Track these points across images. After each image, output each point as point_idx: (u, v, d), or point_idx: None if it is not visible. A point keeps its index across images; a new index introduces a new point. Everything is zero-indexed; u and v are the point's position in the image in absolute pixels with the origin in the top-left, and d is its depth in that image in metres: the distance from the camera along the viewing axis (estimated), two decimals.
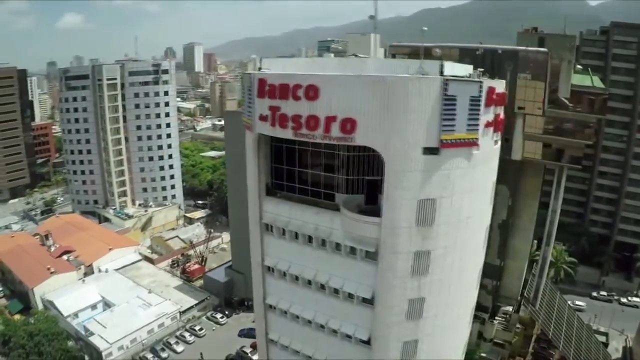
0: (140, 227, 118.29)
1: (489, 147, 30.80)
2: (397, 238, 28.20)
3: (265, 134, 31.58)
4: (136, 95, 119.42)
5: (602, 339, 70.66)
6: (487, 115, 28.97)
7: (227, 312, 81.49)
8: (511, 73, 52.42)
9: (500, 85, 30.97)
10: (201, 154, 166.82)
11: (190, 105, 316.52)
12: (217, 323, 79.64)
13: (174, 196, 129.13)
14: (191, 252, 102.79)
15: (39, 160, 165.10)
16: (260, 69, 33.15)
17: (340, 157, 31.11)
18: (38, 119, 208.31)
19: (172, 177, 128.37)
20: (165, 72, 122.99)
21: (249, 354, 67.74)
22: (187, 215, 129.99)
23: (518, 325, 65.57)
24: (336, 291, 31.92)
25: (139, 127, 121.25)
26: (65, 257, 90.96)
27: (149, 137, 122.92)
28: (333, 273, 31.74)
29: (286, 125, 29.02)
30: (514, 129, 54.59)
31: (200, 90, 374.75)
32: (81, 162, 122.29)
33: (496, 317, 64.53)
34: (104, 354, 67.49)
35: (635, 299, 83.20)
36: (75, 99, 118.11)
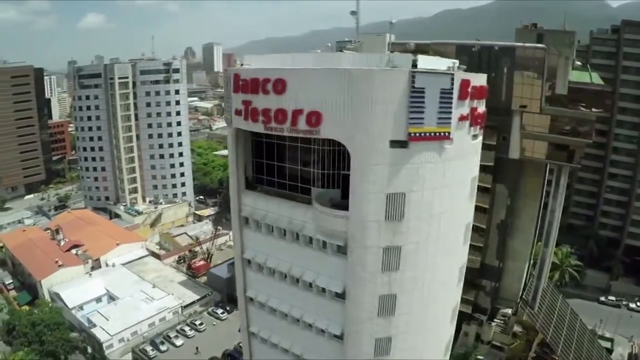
0: (150, 224, 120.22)
1: (465, 141, 30.27)
2: (365, 232, 27.99)
3: (243, 129, 31.85)
4: (147, 93, 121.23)
5: (607, 344, 68.72)
6: (461, 109, 28.48)
7: (228, 308, 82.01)
8: (508, 70, 51.66)
9: (477, 79, 30.41)
10: (214, 152, 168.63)
11: (208, 104, 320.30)
12: (218, 318, 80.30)
13: (184, 194, 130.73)
14: (198, 248, 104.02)
15: (55, 157, 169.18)
16: (242, 64, 33.42)
17: (316, 151, 31.10)
18: (57, 117, 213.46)
19: (182, 174, 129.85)
20: (176, 71, 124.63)
21: None
22: (197, 212, 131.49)
23: (520, 329, 64.46)
24: (310, 285, 31.94)
25: (150, 125, 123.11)
26: (73, 251, 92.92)
27: (160, 135, 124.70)
28: (307, 267, 31.77)
29: (257, 119, 29.23)
30: (511, 127, 53.91)
31: (219, 90, 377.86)
32: (93, 159, 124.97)
33: (495, 320, 63.51)
34: (104, 345, 68.83)
35: None
36: (88, 97, 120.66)
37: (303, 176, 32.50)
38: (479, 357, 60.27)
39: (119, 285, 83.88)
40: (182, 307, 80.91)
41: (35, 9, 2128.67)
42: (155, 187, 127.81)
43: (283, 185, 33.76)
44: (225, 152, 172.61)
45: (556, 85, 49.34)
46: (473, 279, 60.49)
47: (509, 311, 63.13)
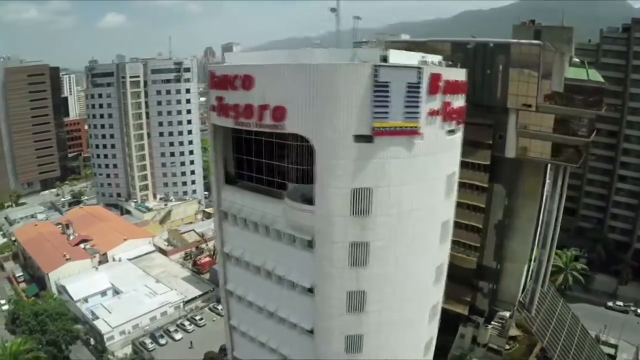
0: (159, 220, 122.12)
1: (439, 137, 29.87)
2: (331, 227, 27.95)
3: (218, 125, 32.18)
4: (158, 92, 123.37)
5: (611, 351, 66.72)
6: (431, 103, 28.14)
7: None
8: (503, 67, 50.72)
9: (452, 73, 30.00)
10: None
11: None
12: (218, 314, 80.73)
13: (194, 191, 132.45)
14: (204, 245, 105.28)
15: (71, 155, 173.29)
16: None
17: (290, 147, 31.18)
18: (75, 115, 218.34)
19: (192, 172, 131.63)
20: (187, 70, 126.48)
21: None
22: (206, 210, 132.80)
23: (519, 333, 63.16)
24: (282, 279, 32.03)
25: (160, 124, 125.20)
26: (82, 245, 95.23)
27: (170, 134, 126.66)
28: (279, 261, 31.96)
29: (228, 114, 29.60)
30: (507, 126, 52.88)
31: None
32: (105, 156, 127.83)
33: (492, 322, 62.34)
34: (105, 337, 70.27)
35: None
36: (100, 96, 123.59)
37: (281, 171, 32.66)
38: (474, 359, 59.35)
39: (124, 280, 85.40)
40: (183, 302, 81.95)
41: (56, 9, 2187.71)
42: (166, 184, 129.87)
43: (261, 181, 33.99)
44: None
45: (552, 82, 48.13)
46: (470, 280, 59.65)
47: (507, 314, 61.91)
